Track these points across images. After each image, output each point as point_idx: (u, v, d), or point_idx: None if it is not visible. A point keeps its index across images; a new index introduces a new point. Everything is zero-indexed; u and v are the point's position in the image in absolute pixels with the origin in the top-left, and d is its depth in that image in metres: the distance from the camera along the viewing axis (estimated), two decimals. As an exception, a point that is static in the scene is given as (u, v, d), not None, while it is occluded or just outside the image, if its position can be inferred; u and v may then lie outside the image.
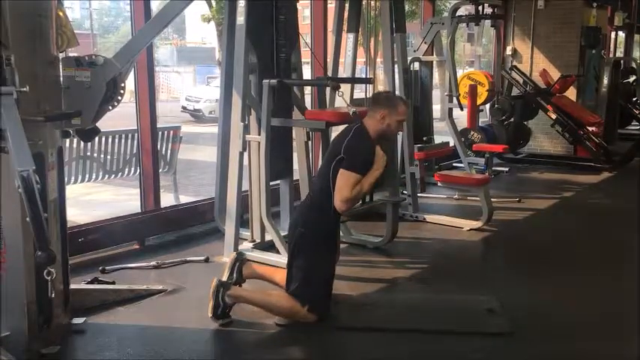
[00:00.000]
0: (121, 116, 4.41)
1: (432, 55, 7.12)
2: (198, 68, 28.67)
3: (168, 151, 6.31)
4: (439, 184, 6.02)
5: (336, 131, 5.06)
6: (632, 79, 10.72)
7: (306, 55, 5.03)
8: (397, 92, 5.40)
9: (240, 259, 3.65)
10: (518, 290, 3.95)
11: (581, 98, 9.22)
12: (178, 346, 3.14)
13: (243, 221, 4.54)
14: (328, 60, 5.62)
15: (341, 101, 4.27)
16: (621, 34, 11.56)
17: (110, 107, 3.20)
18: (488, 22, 8.07)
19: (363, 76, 5.60)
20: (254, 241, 4.60)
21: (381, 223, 4.89)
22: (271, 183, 4.36)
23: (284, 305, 3.33)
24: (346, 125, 3.57)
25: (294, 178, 4.81)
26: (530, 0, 9.12)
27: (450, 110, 6.96)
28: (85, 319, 3.33)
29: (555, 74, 8.71)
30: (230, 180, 4.38)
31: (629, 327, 3.38)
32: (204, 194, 6.31)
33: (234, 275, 3.57)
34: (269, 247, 4.46)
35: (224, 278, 3.50)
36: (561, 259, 4.67)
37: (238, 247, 4.32)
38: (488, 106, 8.57)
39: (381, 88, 5.41)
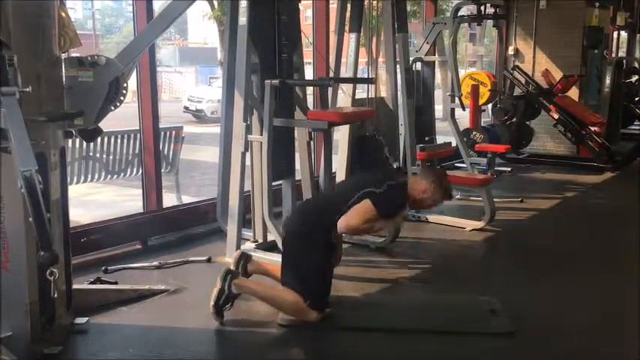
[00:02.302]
0: (124, 116, 4.42)
1: (434, 55, 7.10)
2: (200, 68, 28.75)
3: (171, 152, 6.32)
4: (441, 184, 6.00)
5: (337, 131, 5.11)
6: (634, 78, 10.74)
7: (308, 56, 5.03)
8: (399, 92, 5.42)
9: (244, 257, 3.67)
10: (519, 290, 3.95)
11: (584, 98, 9.20)
12: (181, 346, 3.14)
13: (245, 221, 4.55)
14: (330, 60, 5.61)
15: (343, 101, 4.27)
16: (623, 34, 11.53)
17: (112, 107, 3.21)
18: (490, 22, 8.06)
19: (365, 76, 5.59)
20: (256, 241, 4.61)
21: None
22: (273, 183, 4.36)
23: (289, 299, 3.30)
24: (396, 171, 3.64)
25: (297, 179, 4.81)
26: (533, 0, 9.11)
27: (453, 110, 6.95)
28: (87, 319, 3.33)
29: (557, 74, 8.69)
30: (232, 180, 4.38)
31: (630, 327, 3.38)
32: (207, 194, 6.31)
33: (240, 270, 3.58)
34: (271, 247, 4.47)
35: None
36: (563, 259, 4.66)
37: (240, 248, 4.32)
38: (490, 106, 8.56)
39: (382, 88, 5.41)
